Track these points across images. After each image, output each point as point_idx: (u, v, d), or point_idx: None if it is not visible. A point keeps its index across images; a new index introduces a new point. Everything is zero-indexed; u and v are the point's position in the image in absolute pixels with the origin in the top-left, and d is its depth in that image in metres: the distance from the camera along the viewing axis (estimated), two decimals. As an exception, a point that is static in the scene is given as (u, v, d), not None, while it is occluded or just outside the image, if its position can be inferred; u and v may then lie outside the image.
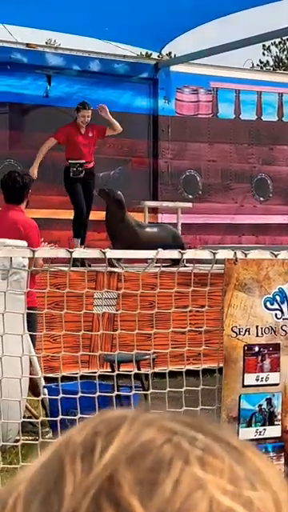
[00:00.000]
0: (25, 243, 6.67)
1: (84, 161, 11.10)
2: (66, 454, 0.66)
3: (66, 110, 11.76)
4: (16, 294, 6.10)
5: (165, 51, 14.91)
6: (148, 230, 10.92)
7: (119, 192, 10.83)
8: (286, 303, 5.14)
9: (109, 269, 6.04)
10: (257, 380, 4.97)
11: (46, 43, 21.33)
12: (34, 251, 5.05)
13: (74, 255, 4.96)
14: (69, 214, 11.32)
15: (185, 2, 11.55)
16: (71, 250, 5.08)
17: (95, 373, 5.89)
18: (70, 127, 11.14)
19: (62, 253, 5.25)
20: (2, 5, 11.45)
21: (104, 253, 5.12)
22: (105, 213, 10.89)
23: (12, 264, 5.72)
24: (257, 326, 5.03)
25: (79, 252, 5.30)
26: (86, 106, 11.10)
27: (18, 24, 12.62)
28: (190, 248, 12.56)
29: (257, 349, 5.01)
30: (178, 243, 10.66)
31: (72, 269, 5.48)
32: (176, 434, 0.64)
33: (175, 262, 7.64)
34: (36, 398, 6.96)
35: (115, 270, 8.11)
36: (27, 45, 12.86)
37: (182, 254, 5.30)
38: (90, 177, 11.21)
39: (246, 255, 5.21)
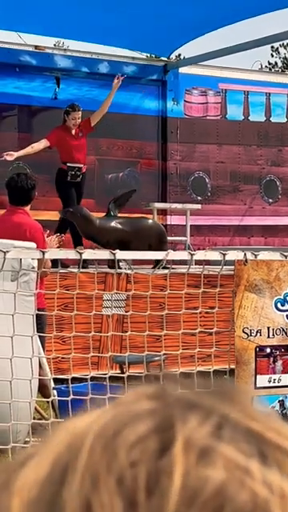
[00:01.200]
0: (34, 244, 6.66)
1: (82, 165, 11.04)
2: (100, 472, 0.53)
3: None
4: (25, 295, 6.10)
5: (173, 53, 14.90)
6: (125, 229, 10.17)
7: (82, 207, 10.34)
8: (296, 304, 5.12)
9: (118, 270, 6.02)
10: (269, 382, 4.95)
11: (55, 45, 21.35)
12: (43, 252, 5.03)
13: (84, 257, 4.95)
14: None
15: (194, 10, 11.53)
16: (81, 251, 5.07)
17: (104, 374, 5.88)
18: (61, 131, 11.05)
19: (71, 254, 5.24)
20: (12, 12, 11.46)
21: (114, 254, 5.10)
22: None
23: (21, 265, 5.72)
24: (268, 328, 5.01)
25: (89, 253, 5.28)
26: (76, 108, 11.05)
27: (27, 31, 12.64)
28: (199, 249, 12.56)
29: (268, 350, 4.99)
30: (161, 238, 10.34)
31: (81, 270, 5.47)
32: (248, 474, 0.53)
33: (156, 264, 7.57)
34: (46, 400, 6.95)
35: (124, 271, 8.10)
36: (36, 47, 12.87)
37: (192, 255, 5.29)
38: (82, 181, 11.18)
39: (255, 256, 5.19)
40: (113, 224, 9.92)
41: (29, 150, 10.99)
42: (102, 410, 0.58)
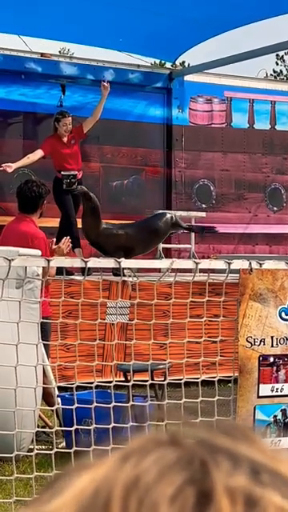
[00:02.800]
0: (39, 252, 6.68)
1: (76, 172, 10.98)
2: None
3: (80, 119, 11.76)
4: (30, 302, 6.11)
5: (179, 61, 14.93)
6: (130, 234, 9.77)
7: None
8: (301, 314, 5.12)
9: (123, 278, 6.03)
10: (272, 391, 4.96)
11: (60, 52, 21.40)
12: (48, 261, 5.05)
13: (89, 265, 4.96)
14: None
15: (198, 14, 11.56)
16: (86, 259, 5.08)
17: (107, 382, 5.88)
18: (53, 139, 11.00)
19: (77, 263, 5.25)
20: (17, 16, 11.50)
21: (119, 262, 5.11)
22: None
23: (26, 273, 5.73)
24: (272, 337, 5.02)
25: (94, 262, 5.30)
26: (66, 114, 11.03)
27: (33, 35, 12.66)
28: (203, 257, 12.56)
29: (272, 359, 5.00)
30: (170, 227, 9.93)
31: (86, 278, 5.49)
32: None
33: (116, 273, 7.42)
34: (50, 408, 6.96)
35: (129, 279, 8.10)
36: (41, 54, 12.90)
37: (197, 263, 5.29)
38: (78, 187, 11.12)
39: (260, 265, 5.20)
40: (117, 230, 9.69)
41: (25, 160, 10.98)
42: (118, 457, 0.55)
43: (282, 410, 4.98)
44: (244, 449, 0.54)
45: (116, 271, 7.27)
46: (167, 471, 0.51)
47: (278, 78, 35.23)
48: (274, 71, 37.03)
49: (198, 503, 0.50)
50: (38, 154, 10.89)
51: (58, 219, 11.01)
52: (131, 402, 5.87)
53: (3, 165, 10.80)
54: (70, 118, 11.00)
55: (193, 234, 12.71)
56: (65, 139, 11.03)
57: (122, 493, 0.51)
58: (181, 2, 11.39)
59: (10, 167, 10.75)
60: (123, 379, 6.73)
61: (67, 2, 11.37)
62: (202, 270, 5.81)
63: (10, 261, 4.90)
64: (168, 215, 10.14)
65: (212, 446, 0.54)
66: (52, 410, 6.96)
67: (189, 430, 0.57)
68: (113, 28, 12.21)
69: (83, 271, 6.43)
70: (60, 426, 6.55)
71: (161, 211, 10.88)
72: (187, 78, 13.81)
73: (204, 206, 13.76)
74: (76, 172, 10.98)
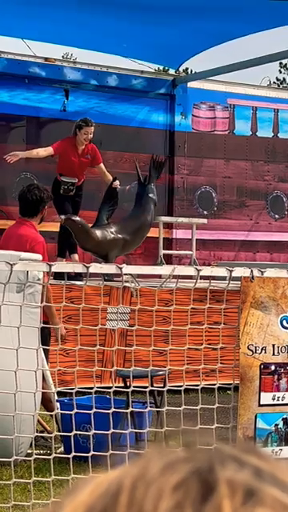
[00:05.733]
0: (40, 257, 6.67)
1: (76, 180, 10.84)
2: None
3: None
4: (31, 307, 6.10)
5: (182, 67, 14.94)
6: (122, 237, 9.65)
7: (82, 219, 9.44)
8: (302, 322, 5.11)
9: (125, 284, 6.02)
10: (273, 399, 4.94)
11: (63, 57, 21.42)
12: (50, 266, 5.04)
13: (91, 270, 4.95)
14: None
15: (202, 23, 11.56)
16: (88, 265, 5.07)
17: (106, 387, 5.87)
18: (67, 143, 10.79)
19: (78, 268, 5.24)
20: (21, 20, 11.51)
21: (120, 268, 5.10)
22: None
23: (28, 277, 5.72)
24: (273, 345, 5.01)
25: (96, 267, 5.29)
26: (89, 123, 10.71)
27: (37, 39, 12.67)
28: (204, 264, 12.55)
29: (273, 367, 4.99)
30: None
31: (87, 283, 5.48)
32: None
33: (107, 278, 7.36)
34: (49, 413, 6.94)
35: (131, 285, 8.08)
36: (45, 59, 12.90)
37: (199, 270, 5.28)
38: (78, 192, 10.98)
39: (262, 273, 5.19)
40: (110, 235, 9.50)
41: (33, 153, 10.87)
42: (128, 464, 0.58)
43: (283, 419, 4.96)
44: (250, 458, 0.57)
45: (107, 277, 7.23)
46: (173, 465, 0.56)
47: (281, 85, 35.26)
48: (278, 79, 37.07)
49: (200, 492, 0.54)
50: (48, 151, 10.77)
51: (58, 224, 10.98)
52: (130, 408, 5.85)
53: (9, 154, 10.71)
54: (93, 128, 10.74)
55: (194, 241, 12.71)
56: (80, 149, 10.83)
57: (130, 484, 0.55)
58: (185, 12, 11.39)
59: (16, 156, 10.67)
60: (122, 385, 6.71)
61: (72, 8, 11.37)
62: (204, 277, 5.80)
63: (11, 265, 4.89)
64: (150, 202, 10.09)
65: (219, 451, 0.57)
66: (51, 415, 6.94)
67: (196, 439, 0.60)
68: (117, 34, 12.22)
69: (79, 275, 6.43)
70: (58, 431, 6.54)
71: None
72: (190, 84, 13.82)
73: (206, 212, 13.76)
74: (76, 180, 10.88)
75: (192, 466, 0.55)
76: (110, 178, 10.66)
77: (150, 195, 10.07)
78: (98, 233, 9.32)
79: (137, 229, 9.82)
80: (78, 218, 9.24)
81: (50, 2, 11.08)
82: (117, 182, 10.11)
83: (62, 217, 9.24)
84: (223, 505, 0.53)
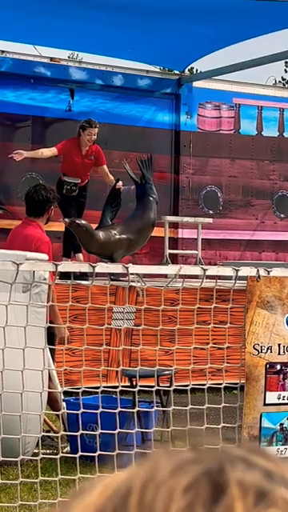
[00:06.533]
0: (46, 256, 6.68)
1: (79, 180, 10.83)
2: None
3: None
4: (37, 306, 6.11)
5: (187, 67, 14.93)
6: (126, 237, 9.57)
7: (86, 222, 9.38)
8: (308, 322, 5.11)
9: (131, 283, 6.02)
10: (278, 398, 4.94)
11: (69, 57, 21.42)
12: (56, 265, 5.05)
13: (97, 270, 4.96)
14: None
15: (208, 26, 11.56)
16: (94, 264, 5.08)
17: (112, 387, 5.88)
18: (71, 143, 10.78)
19: (84, 267, 5.24)
20: (30, 26, 11.52)
21: (126, 268, 5.11)
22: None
23: (34, 277, 5.73)
24: (279, 344, 5.01)
25: (102, 267, 5.29)
26: (93, 124, 10.70)
27: (44, 45, 12.70)
28: (209, 264, 12.55)
29: (279, 367, 4.99)
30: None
31: (94, 283, 5.48)
32: None
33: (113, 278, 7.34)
34: (55, 413, 6.95)
35: (138, 285, 8.09)
36: (51, 59, 12.92)
37: (205, 270, 5.29)
38: (82, 193, 10.99)
39: (268, 273, 5.19)
40: (114, 236, 9.45)
41: (38, 153, 10.88)
42: (136, 465, 0.58)
43: (288, 418, 4.96)
44: (258, 459, 0.57)
45: (113, 276, 7.23)
46: (184, 466, 0.55)
47: (286, 85, 35.22)
48: (283, 78, 37.02)
49: (211, 493, 0.54)
50: (52, 151, 10.78)
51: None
52: (137, 408, 5.86)
53: (14, 152, 10.73)
54: (97, 129, 10.73)
55: (199, 240, 12.71)
56: (84, 149, 10.83)
57: (140, 485, 0.55)
58: (190, 18, 11.38)
59: (21, 154, 10.67)
60: (128, 384, 6.72)
61: (79, 15, 11.36)
62: (210, 277, 5.81)
63: (18, 265, 4.90)
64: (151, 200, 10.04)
65: (227, 452, 0.57)
66: (57, 415, 6.94)
67: (203, 439, 0.61)
68: (122, 40, 12.20)
69: (85, 275, 6.43)
70: (64, 430, 6.55)
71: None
72: (196, 84, 13.81)
73: (211, 212, 13.76)
74: (79, 180, 10.86)
75: (202, 468, 0.55)
76: (112, 179, 10.66)
77: (150, 194, 10.06)
78: (102, 234, 9.28)
79: (140, 228, 9.80)
80: (82, 222, 9.20)
81: (56, 12, 11.08)
82: (120, 183, 10.11)
83: (67, 220, 9.22)
84: (235, 506, 0.53)
